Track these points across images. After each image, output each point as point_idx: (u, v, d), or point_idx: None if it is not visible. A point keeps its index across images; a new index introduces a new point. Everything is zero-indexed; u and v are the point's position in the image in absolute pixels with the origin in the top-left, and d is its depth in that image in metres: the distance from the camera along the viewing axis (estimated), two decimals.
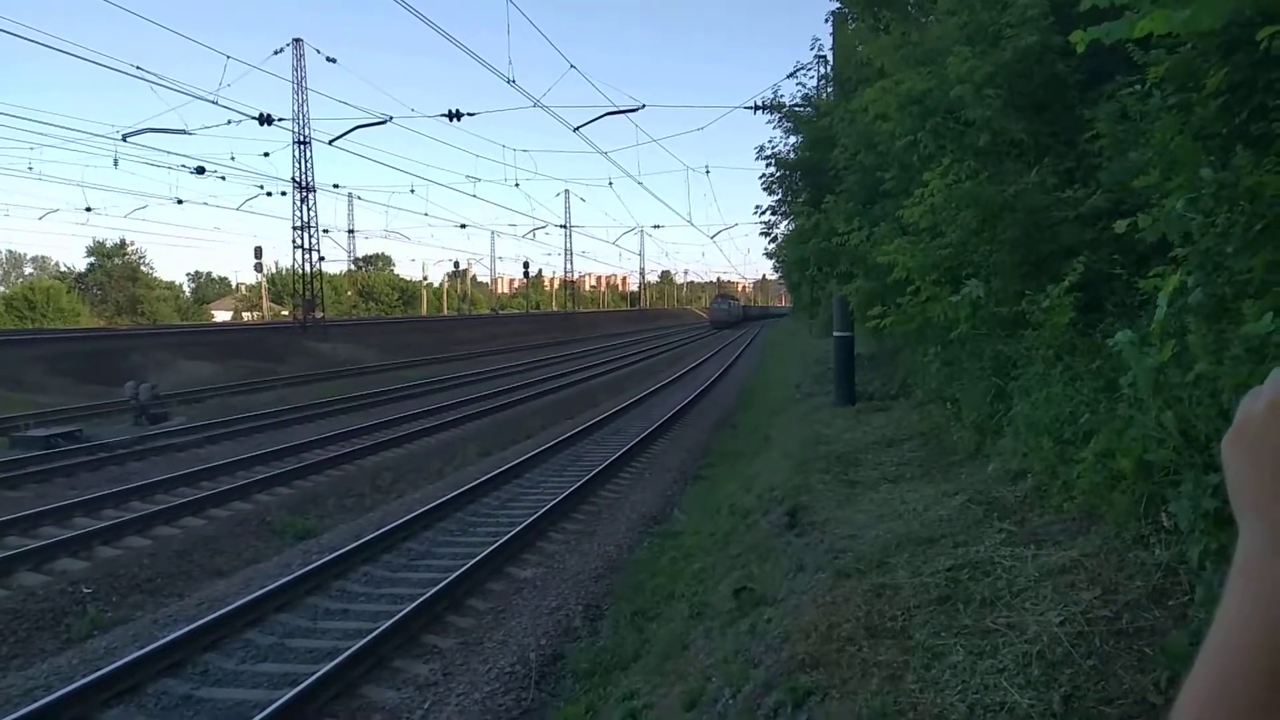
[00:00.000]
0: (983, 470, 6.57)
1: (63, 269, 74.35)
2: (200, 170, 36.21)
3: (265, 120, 31.19)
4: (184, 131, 30.54)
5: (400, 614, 7.13)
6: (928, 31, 8.46)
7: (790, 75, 19.94)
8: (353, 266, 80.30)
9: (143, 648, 6.61)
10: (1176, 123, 4.52)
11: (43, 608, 7.89)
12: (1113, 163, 5.76)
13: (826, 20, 15.65)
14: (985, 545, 4.76)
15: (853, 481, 7.56)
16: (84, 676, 6.12)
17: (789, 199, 19.16)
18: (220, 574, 9.11)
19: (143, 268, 72.74)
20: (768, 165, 19.33)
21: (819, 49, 17.78)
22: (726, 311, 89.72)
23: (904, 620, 4.05)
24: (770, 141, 19.17)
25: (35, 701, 5.74)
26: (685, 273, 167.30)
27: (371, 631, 6.80)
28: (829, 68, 16.94)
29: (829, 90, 16.91)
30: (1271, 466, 0.59)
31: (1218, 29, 4.08)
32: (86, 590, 8.32)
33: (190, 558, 9.50)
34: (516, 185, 64.95)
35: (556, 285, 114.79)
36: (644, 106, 24.76)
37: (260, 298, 74.35)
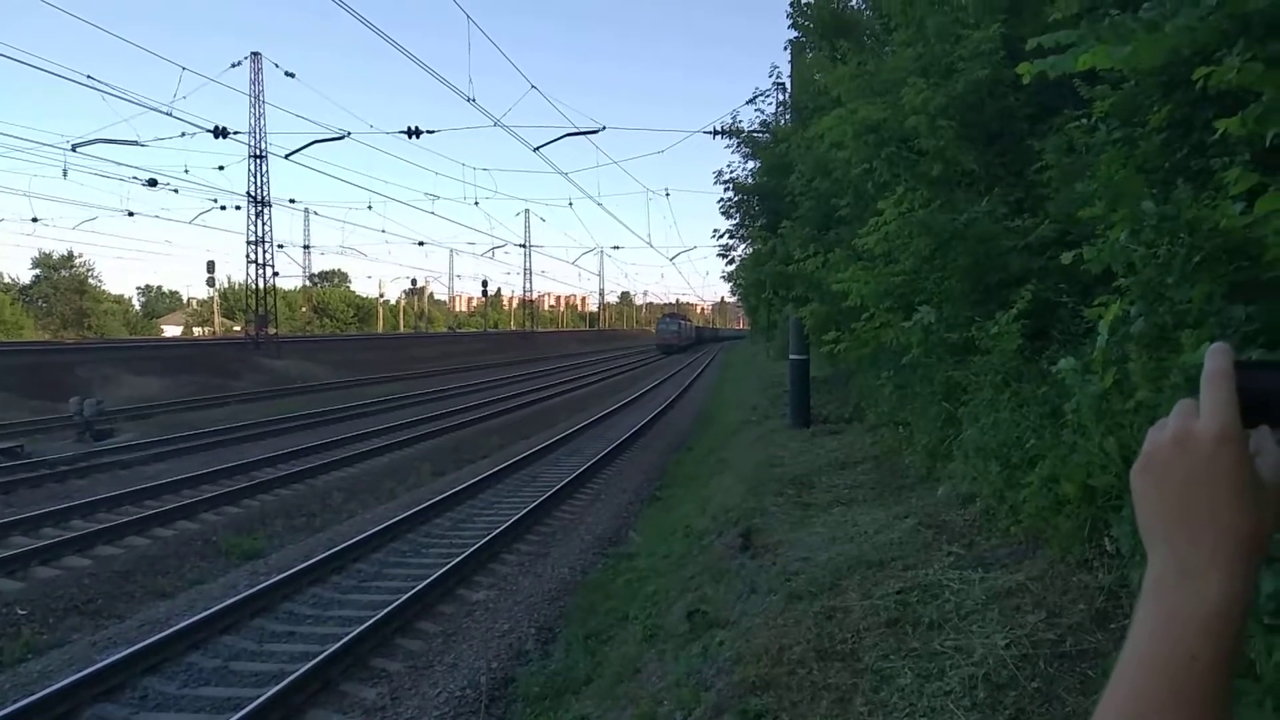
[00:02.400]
0: (933, 493, 6.65)
1: (7, 280, 72.51)
2: (152, 182, 35.66)
3: (221, 133, 30.80)
4: (136, 143, 30.19)
5: (349, 636, 7.00)
6: (883, 62, 8.62)
7: (749, 101, 20.37)
8: (308, 282, 79.37)
9: (79, 672, 6.41)
10: (1121, 156, 4.64)
11: None
12: (1060, 194, 5.90)
13: (785, 49, 15.94)
14: (934, 568, 4.81)
15: (806, 504, 7.61)
16: (15, 702, 5.92)
17: (746, 223, 19.42)
18: (164, 595, 8.88)
19: (91, 280, 71.23)
20: (726, 189, 19.61)
21: (777, 76, 18.12)
22: (676, 334, 77.99)
23: (854, 643, 4.08)
24: (729, 166, 19.54)
25: None
26: (645, 294, 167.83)
27: (319, 654, 6.67)
28: (787, 95, 17.23)
29: (787, 117, 17.17)
30: (1177, 496, 0.62)
31: (1158, 67, 4.20)
32: (21, 612, 8.06)
33: (132, 578, 9.25)
34: (476, 204, 64.90)
35: (515, 304, 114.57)
36: (604, 128, 24.89)
37: (212, 313, 73.23)
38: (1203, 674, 0.57)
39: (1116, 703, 0.59)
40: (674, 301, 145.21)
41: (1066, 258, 4.70)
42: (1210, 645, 0.57)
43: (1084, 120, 5.17)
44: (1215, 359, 0.63)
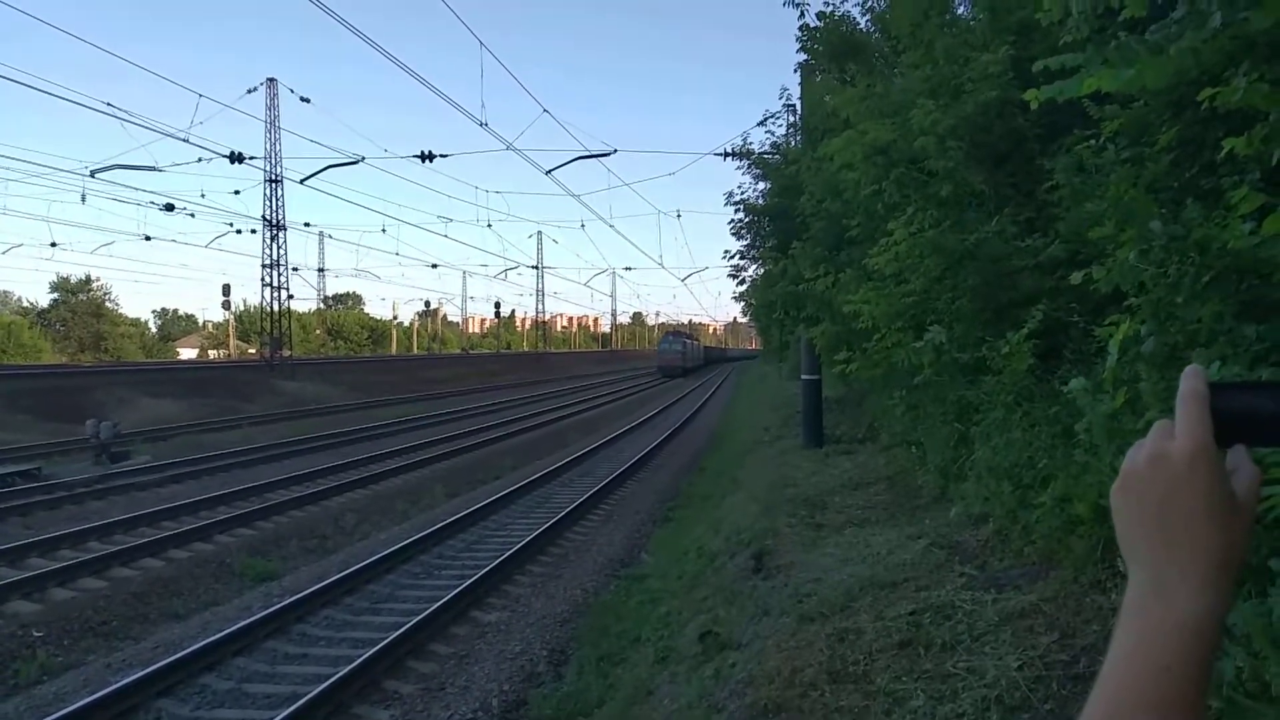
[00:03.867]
0: (946, 514, 6.62)
1: (26, 304, 73.30)
2: (169, 207, 36.06)
3: (236, 158, 31.18)
4: (154, 169, 30.52)
5: (361, 658, 7.01)
6: (892, 84, 8.67)
7: (760, 123, 20.36)
8: (322, 305, 79.87)
9: (93, 693, 6.44)
10: (1130, 176, 4.65)
11: None
12: (1070, 213, 5.90)
13: (795, 71, 16.00)
14: (947, 589, 4.79)
15: (819, 525, 7.59)
16: None
17: (757, 244, 19.45)
18: (178, 617, 8.92)
19: (108, 304, 71.95)
20: (737, 211, 19.66)
21: (788, 98, 18.18)
22: (680, 355, 65.79)
23: (866, 665, 4.06)
24: (740, 187, 19.55)
25: None
26: (657, 314, 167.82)
27: (331, 676, 6.68)
28: (797, 117, 17.29)
29: (797, 139, 17.23)
30: (1154, 515, 0.64)
31: (1165, 88, 4.22)
32: (37, 633, 8.10)
33: (147, 600, 9.30)
34: (489, 226, 64.83)
35: (528, 325, 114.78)
36: (616, 151, 25.08)
37: (227, 335, 73.71)
38: (1175, 685, 0.59)
39: (1097, 711, 0.61)
40: (686, 322, 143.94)
41: (1076, 277, 4.71)
42: (1183, 658, 0.59)
43: (1093, 140, 5.18)
44: (1189, 380, 0.65)
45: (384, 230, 62.62)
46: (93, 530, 11.57)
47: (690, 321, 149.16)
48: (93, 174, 30.99)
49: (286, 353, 43.98)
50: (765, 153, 19.61)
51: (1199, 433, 0.63)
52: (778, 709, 3.96)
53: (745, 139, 21.40)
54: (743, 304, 27.00)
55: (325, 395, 37.85)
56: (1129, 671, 0.61)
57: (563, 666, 7.38)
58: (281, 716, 5.96)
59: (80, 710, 6.10)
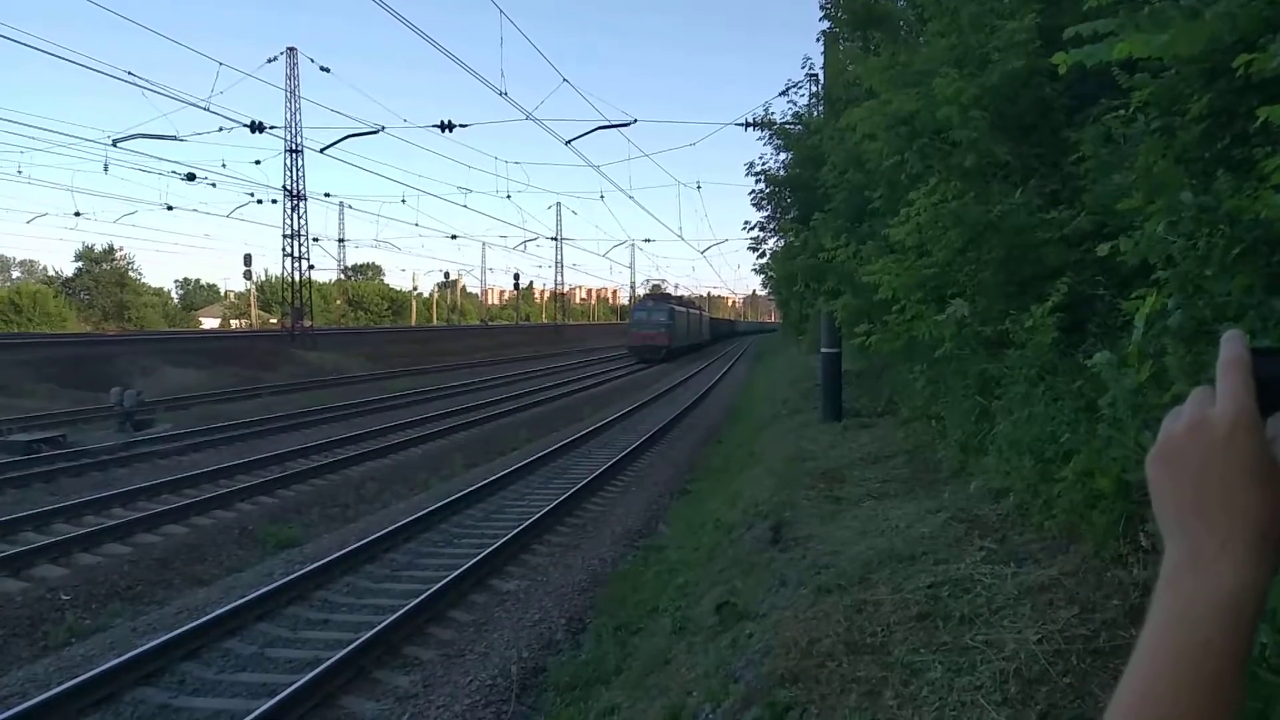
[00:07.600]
0: (966, 488, 6.59)
1: (50, 273, 74.06)
2: (191, 177, 36.20)
3: (257, 128, 31.11)
4: (175, 138, 30.58)
5: (381, 625, 7.09)
6: (917, 53, 8.53)
7: (781, 93, 20.15)
8: (342, 275, 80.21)
9: (120, 656, 6.55)
10: (1159, 146, 4.57)
11: (20, 614, 7.81)
12: (1097, 185, 5.81)
13: (818, 40, 15.81)
14: (966, 563, 4.78)
15: (837, 498, 7.57)
16: (60, 684, 6.06)
17: (778, 215, 19.33)
18: (201, 582, 9.05)
19: (131, 273, 72.64)
20: (758, 181, 19.53)
21: (810, 68, 18.01)
22: (665, 330, 46.29)
23: (884, 636, 4.06)
24: (761, 158, 19.41)
25: (9, 709, 5.68)
26: (676, 287, 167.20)
27: (352, 642, 6.76)
28: (819, 86, 17.11)
29: (819, 109, 17.05)
30: (1192, 484, 0.61)
31: (1199, 55, 4.13)
32: (65, 597, 8.25)
33: (171, 565, 9.43)
34: (508, 197, 65.03)
35: (547, 297, 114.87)
36: (635, 121, 24.89)
37: (249, 305, 74.26)
38: (1216, 659, 0.57)
39: (1133, 686, 0.60)
40: (705, 294, 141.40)
41: (1103, 250, 4.64)
42: (1224, 631, 0.57)
43: (1122, 110, 5.08)
44: (1231, 345, 0.63)
45: (403, 201, 62.69)
46: (117, 497, 11.73)
47: (709, 294, 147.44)
48: (115, 143, 31.11)
49: (307, 323, 44.21)
50: (787, 123, 19.44)
51: (1241, 399, 0.61)
52: (794, 679, 3.97)
53: (767, 109, 21.33)
54: (762, 277, 26.88)
55: (345, 365, 38.08)
56: (1166, 646, 0.59)
57: (581, 635, 7.44)
58: (304, 680, 6.05)
59: (108, 672, 6.21)
